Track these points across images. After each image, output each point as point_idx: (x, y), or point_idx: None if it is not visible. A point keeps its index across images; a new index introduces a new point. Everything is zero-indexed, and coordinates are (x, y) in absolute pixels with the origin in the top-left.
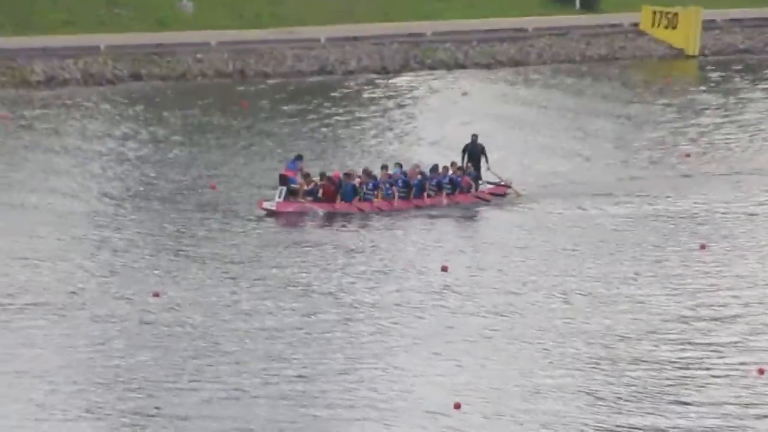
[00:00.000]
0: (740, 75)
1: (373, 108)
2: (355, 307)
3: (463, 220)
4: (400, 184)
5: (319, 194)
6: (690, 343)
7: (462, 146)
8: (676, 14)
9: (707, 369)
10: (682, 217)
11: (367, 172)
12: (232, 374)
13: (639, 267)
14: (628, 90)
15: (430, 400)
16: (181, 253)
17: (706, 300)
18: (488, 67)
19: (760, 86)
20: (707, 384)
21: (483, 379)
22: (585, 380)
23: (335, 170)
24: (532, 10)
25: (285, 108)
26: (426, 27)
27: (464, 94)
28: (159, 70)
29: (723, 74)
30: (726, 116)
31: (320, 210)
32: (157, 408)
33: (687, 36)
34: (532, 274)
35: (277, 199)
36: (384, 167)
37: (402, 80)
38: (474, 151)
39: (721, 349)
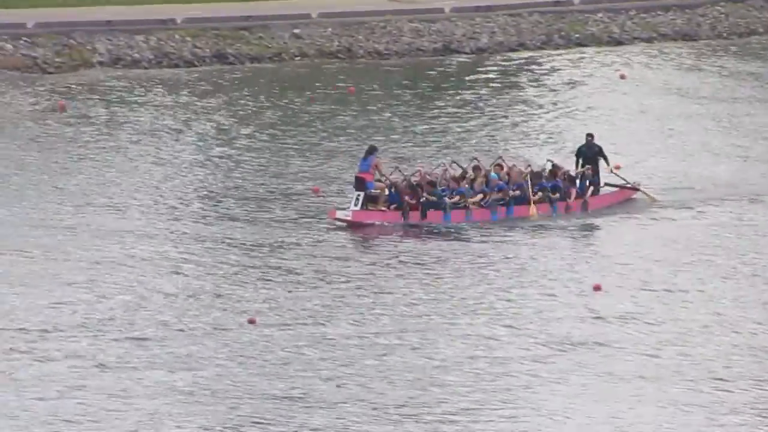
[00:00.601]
0: None
1: (507, 95)
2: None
3: (591, 231)
4: (497, 191)
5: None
6: None
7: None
8: None
9: None
10: None
11: (455, 178)
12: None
13: None
14: None
15: None
16: (277, 272)
17: None
18: (649, 41)
19: None
20: None
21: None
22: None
23: (419, 169)
24: None
25: (400, 95)
26: None
27: (622, 77)
28: (248, 48)
29: None
30: None
31: (403, 222)
32: None
33: None
34: (691, 298)
35: (352, 207)
36: (476, 168)
37: (544, 59)
38: (589, 154)
39: None
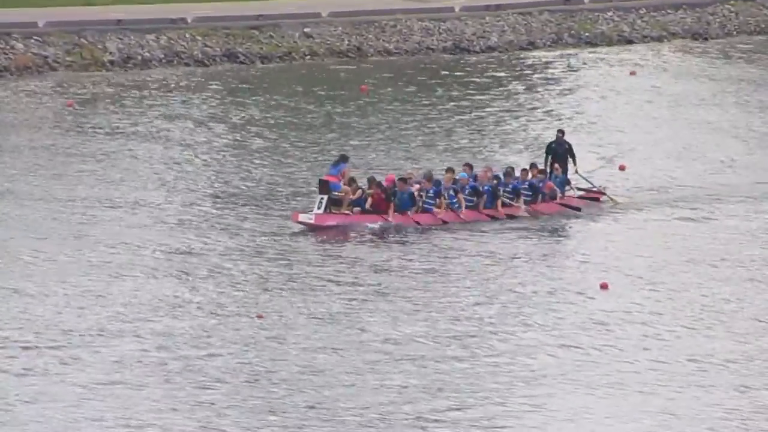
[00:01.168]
0: None
1: (518, 94)
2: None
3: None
4: (468, 191)
5: (368, 204)
6: None
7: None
8: None
9: None
10: None
11: (428, 176)
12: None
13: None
14: None
15: None
16: (285, 270)
17: None
18: (659, 40)
19: None
20: None
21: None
22: None
23: (390, 173)
24: None
25: (412, 93)
26: None
27: (632, 73)
28: (259, 47)
29: None
30: None
31: (369, 224)
32: None
33: None
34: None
35: (316, 211)
36: (449, 170)
37: (553, 58)
38: (560, 150)
39: None
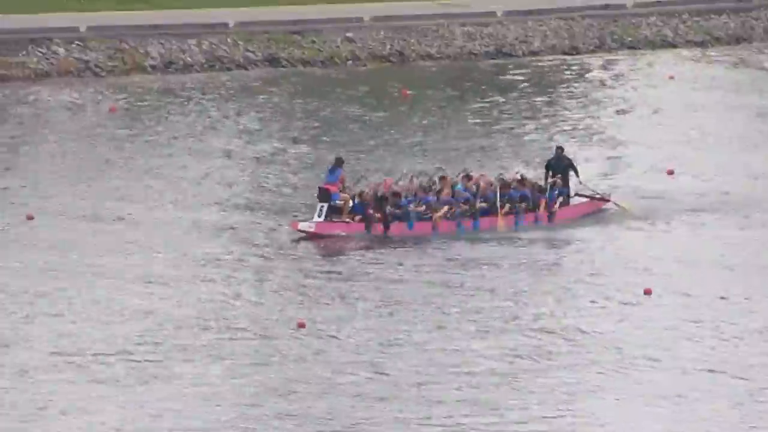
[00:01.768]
0: None
1: (560, 98)
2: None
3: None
4: (464, 202)
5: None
6: None
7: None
8: None
9: None
10: None
11: (422, 188)
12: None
13: None
14: None
15: None
16: (327, 278)
17: None
18: (702, 45)
19: None
20: None
21: None
22: None
23: (386, 178)
24: None
25: (454, 98)
26: None
27: (670, 77)
28: (300, 52)
29: None
30: None
31: (370, 233)
32: None
33: None
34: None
35: (316, 219)
36: (442, 179)
37: (596, 62)
38: (559, 166)
39: None
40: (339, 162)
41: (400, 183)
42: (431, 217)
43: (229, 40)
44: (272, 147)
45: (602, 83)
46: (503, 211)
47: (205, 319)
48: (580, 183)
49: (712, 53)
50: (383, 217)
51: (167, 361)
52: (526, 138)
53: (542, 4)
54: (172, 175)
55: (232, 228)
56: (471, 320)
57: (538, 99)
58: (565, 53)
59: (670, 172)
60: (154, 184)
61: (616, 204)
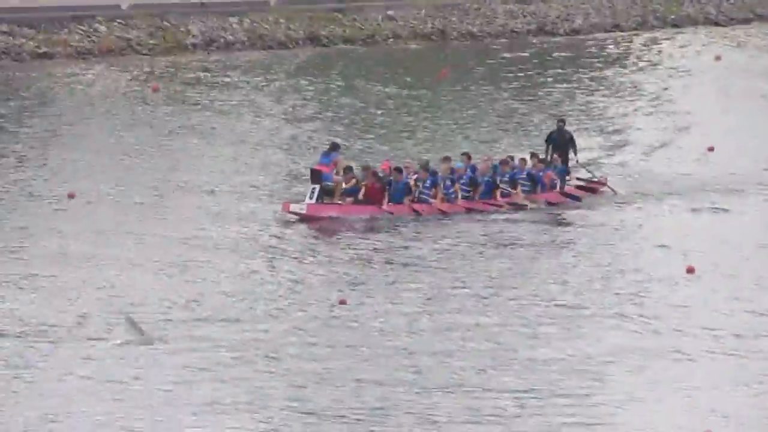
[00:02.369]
0: None
1: (601, 77)
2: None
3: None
4: (465, 181)
5: (361, 194)
6: None
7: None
8: None
9: None
10: None
11: (425, 167)
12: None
13: None
14: None
15: None
16: (367, 258)
17: None
18: (746, 22)
19: None
20: None
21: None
22: None
23: (386, 160)
24: None
25: (496, 76)
26: None
27: (717, 58)
28: (342, 31)
29: None
30: None
31: (362, 215)
32: None
33: None
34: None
35: (307, 201)
36: (446, 159)
37: (639, 41)
38: (560, 141)
39: None
40: (334, 147)
41: (405, 162)
42: (434, 196)
43: (270, 18)
44: (311, 128)
45: (646, 62)
46: (503, 189)
47: (249, 300)
48: (577, 162)
49: (754, 31)
50: (384, 194)
51: (212, 336)
52: (562, 115)
53: None
54: (212, 155)
55: (268, 206)
56: (511, 302)
57: (578, 77)
58: (607, 31)
59: (711, 149)
60: (195, 163)
61: (611, 188)
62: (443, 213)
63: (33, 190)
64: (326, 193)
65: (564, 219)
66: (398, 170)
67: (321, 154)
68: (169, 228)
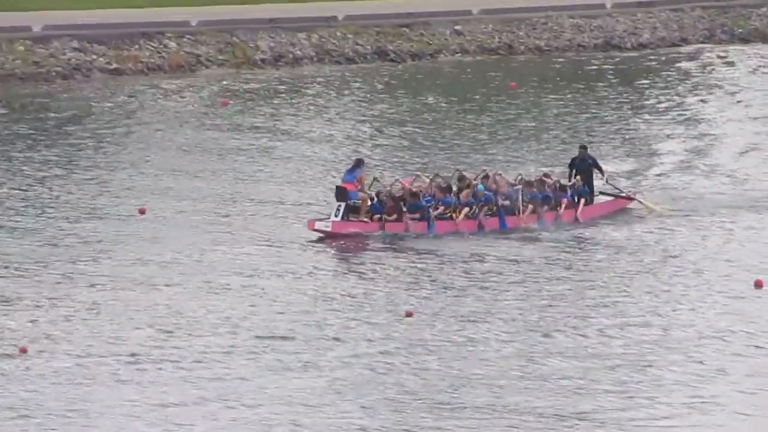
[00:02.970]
0: None
1: (668, 91)
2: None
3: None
4: (484, 201)
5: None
6: None
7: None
8: None
9: None
10: None
11: (441, 188)
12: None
13: None
14: None
15: None
16: (429, 273)
17: None
18: None
19: None
20: None
21: None
22: None
23: (398, 179)
24: None
25: (562, 90)
26: None
27: None
28: (409, 45)
29: None
30: None
31: (388, 232)
32: None
33: None
34: None
35: (333, 218)
36: (461, 179)
37: (706, 55)
38: (582, 166)
39: None
40: (359, 163)
41: (416, 184)
42: (451, 217)
43: (338, 33)
44: (380, 144)
45: (716, 77)
46: (526, 211)
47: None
48: (606, 183)
49: None
50: (401, 217)
51: (281, 349)
52: (633, 133)
53: None
54: (283, 172)
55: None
56: (574, 316)
57: (646, 92)
58: (674, 45)
59: None
60: (263, 178)
61: (641, 202)
62: (466, 231)
63: (101, 204)
64: (351, 211)
65: (621, 238)
66: (414, 195)
67: (345, 171)
68: (233, 242)
